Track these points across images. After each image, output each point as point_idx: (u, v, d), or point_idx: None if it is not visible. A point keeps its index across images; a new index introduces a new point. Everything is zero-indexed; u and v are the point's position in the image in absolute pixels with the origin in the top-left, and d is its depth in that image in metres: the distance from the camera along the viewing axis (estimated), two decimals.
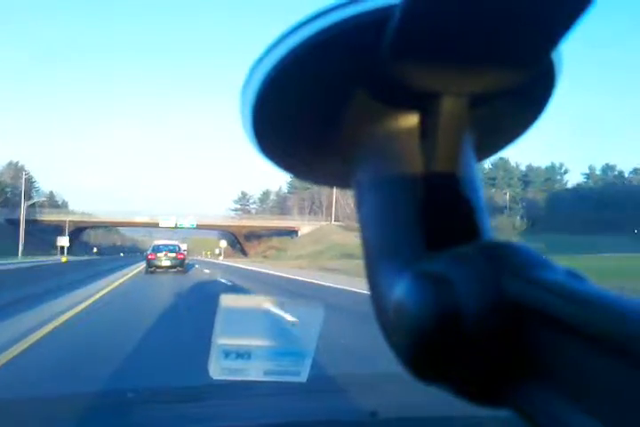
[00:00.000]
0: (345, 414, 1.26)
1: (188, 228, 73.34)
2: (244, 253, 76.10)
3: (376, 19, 0.27)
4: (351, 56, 0.28)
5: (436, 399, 0.97)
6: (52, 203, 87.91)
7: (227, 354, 0.62)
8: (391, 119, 0.29)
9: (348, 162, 0.31)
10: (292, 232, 74.28)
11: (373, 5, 0.27)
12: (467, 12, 0.24)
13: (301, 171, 0.35)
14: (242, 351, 0.62)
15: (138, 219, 73.32)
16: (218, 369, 0.62)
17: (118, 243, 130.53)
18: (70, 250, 59.82)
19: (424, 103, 0.28)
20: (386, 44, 0.26)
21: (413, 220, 0.29)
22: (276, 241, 74.91)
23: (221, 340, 0.61)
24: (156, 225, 72.46)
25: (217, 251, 79.86)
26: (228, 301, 0.60)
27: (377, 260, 0.30)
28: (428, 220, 0.28)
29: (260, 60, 0.29)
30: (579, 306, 0.21)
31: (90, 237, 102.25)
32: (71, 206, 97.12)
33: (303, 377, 0.65)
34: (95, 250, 79.06)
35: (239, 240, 76.09)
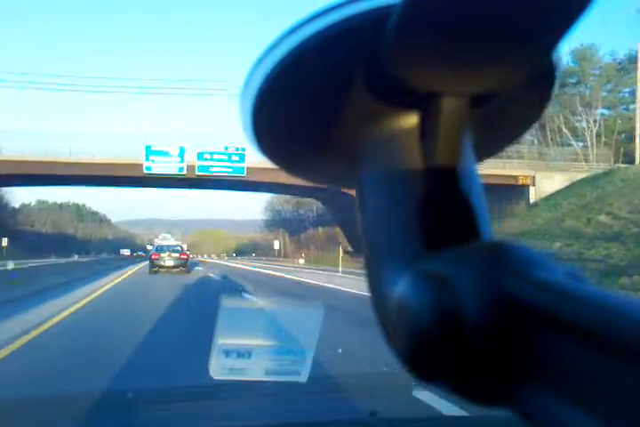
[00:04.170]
0: (345, 413, 1.26)
1: (231, 177, 30.30)
2: None
3: (376, 18, 0.27)
4: (351, 56, 0.28)
5: (435, 399, 0.97)
6: None
7: (228, 353, 0.62)
8: (391, 119, 0.30)
9: (349, 162, 0.31)
10: (510, 189, 27.77)
11: (373, 5, 0.27)
12: (466, 12, 0.24)
13: (302, 170, 0.35)
14: (243, 351, 0.62)
15: (90, 159, 29.93)
16: (219, 369, 0.62)
17: (109, 237, 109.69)
18: None
19: (424, 103, 0.28)
20: (385, 44, 0.26)
21: (414, 220, 0.29)
22: None
23: (222, 340, 0.61)
24: (137, 171, 29.73)
25: (276, 245, 51.02)
26: (229, 302, 0.60)
27: (377, 259, 0.30)
28: (428, 220, 0.28)
29: (260, 60, 0.29)
30: (578, 306, 0.21)
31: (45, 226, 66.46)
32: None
33: (303, 377, 0.65)
34: (4, 244, 42.51)
35: None
